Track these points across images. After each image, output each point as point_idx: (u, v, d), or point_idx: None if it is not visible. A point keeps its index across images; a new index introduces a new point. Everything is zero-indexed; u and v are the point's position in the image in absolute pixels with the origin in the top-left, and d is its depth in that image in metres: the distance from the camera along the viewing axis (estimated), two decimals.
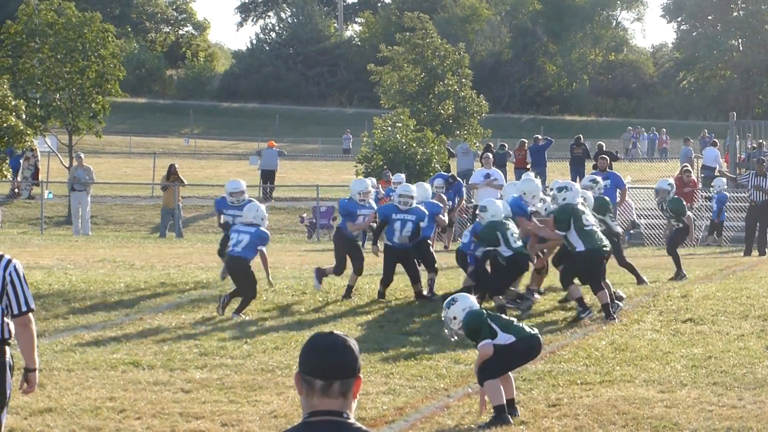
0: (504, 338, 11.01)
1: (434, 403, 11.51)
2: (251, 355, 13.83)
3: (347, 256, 18.11)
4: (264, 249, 17.14)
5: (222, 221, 18.64)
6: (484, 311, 11.41)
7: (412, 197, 17.62)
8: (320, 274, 18.01)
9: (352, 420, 4.37)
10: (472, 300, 11.50)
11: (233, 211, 18.04)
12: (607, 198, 18.31)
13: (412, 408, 11.39)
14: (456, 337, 11.48)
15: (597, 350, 13.84)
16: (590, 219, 16.06)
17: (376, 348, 14.14)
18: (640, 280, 18.67)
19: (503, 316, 11.56)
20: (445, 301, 11.63)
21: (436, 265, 18.00)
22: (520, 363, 11.40)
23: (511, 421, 10.80)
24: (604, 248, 16.02)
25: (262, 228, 16.99)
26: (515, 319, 11.59)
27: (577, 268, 16.03)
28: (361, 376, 4.43)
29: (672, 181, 21.84)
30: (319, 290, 17.86)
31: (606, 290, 15.91)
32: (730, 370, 12.67)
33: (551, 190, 17.18)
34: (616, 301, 16.44)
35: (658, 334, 14.86)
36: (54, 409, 11.29)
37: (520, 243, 16.05)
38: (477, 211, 17.32)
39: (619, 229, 17.31)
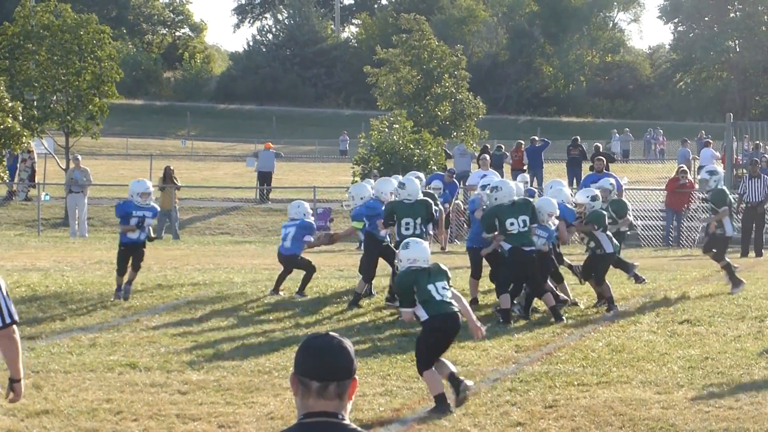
0: (420, 312, 11.27)
1: (431, 404, 11.50)
2: (248, 357, 13.82)
3: (378, 260, 17.61)
4: (311, 238, 18.33)
5: (129, 224, 17.85)
6: (418, 273, 11.38)
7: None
8: (357, 298, 17.32)
9: (347, 421, 4.37)
10: (419, 254, 11.55)
11: (142, 212, 17.95)
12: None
13: (408, 409, 11.39)
14: None
15: (594, 351, 13.85)
16: (516, 222, 15.91)
17: (372, 349, 14.14)
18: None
19: (433, 287, 11.30)
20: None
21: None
22: (440, 341, 11.36)
23: (452, 409, 11.04)
24: (528, 246, 15.95)
25: (305, 219, 18.34)
26: (445, 293, 11.36)
27: (508, 271, 16.03)
28: (357, 377, 4.43)
29: (614, 180, 21.34)
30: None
31: (551, 293, 16.14)
32: (726, 372, 12.68)
33: (488, 190, 16.96)
34: (615, 304, 16.53)
35: (655, 335, 14.87)
36: (51, 410, 11.28)
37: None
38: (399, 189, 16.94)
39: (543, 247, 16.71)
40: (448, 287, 11.39)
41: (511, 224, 15.86)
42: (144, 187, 18.24)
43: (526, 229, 15.94)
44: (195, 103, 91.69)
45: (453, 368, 11.38)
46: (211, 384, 12.44)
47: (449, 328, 11.29)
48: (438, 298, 11.24)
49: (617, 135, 61.79)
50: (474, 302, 16.93)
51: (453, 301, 11.35)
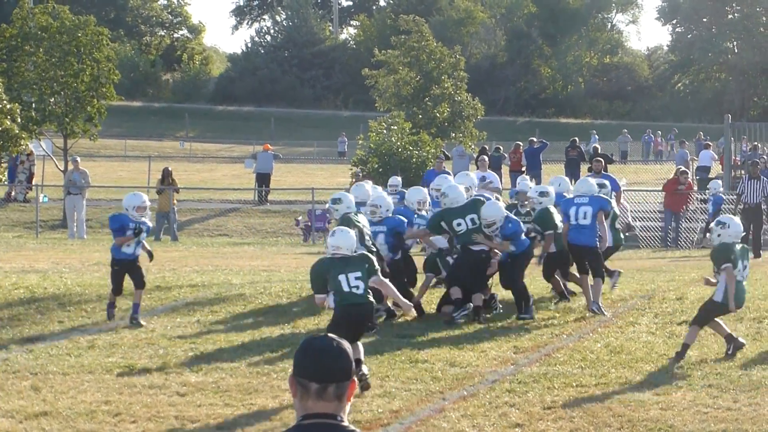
0: (329, 301, 12.08)
1: (429, 406, 11.51)
2: (246, 359, 13.81)
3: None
4: None
5: (125, 235, 16.24)
6: (333, 262, 12.06)
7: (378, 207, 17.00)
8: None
9: (346, 423, 4.38)
10: (343, 242, 12.13)
11: (137, 224, 16.35)
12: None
13: (407, 411, 11.39)
14: None
15: (592, 353, 13.85)
16: (464, 221, 16.09)
17: (371, 351, 14.13)
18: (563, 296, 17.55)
19: (344, 278, 11.98)
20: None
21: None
22: (348, 328, 11.66)
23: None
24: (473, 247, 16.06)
25: None
26: (357, 284, 11.98)
27: (461, 271, 16.19)
28: (356, 379, 4.43)
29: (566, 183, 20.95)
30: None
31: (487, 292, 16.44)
32: (725, 373, 12.69)
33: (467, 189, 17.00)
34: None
35: (654, 336, 14.87)
36: (49, 412, 11.27)
37: (368, 244, 15.49)
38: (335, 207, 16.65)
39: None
40: (362, 278, 11.97)
41: (458, 225, 16.17)
42: (140, 200, 16.57)
43: (475, 227, 16.15)
44: (193, 104, 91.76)
45: (361, 356, 11.95)
46: (209, 386, 12.43)
47: (356, 315, 11.99)
48: (346, 289, 11.95)
49: (596, 136, 61.91)
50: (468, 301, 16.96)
51: (365, 292, 12.01)
